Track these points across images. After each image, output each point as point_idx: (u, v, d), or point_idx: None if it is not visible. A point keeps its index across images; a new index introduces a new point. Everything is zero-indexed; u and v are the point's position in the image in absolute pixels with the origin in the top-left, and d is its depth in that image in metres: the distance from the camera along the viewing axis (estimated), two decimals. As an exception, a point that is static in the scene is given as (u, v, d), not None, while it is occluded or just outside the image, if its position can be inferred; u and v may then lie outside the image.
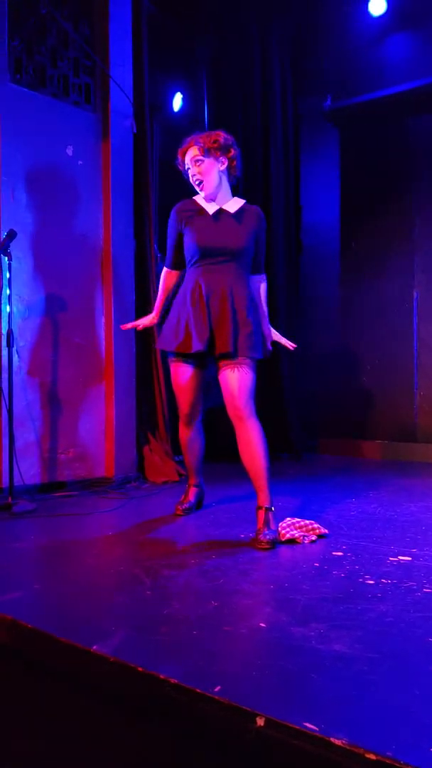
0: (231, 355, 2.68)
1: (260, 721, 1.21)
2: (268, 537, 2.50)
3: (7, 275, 3.28)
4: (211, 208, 2.81)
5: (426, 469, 4.71)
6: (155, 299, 4.28)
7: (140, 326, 3.09)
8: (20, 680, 1.73)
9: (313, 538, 2.61)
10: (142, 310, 4.23)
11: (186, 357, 2.85)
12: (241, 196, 2.91)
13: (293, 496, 3.53)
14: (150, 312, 3.24)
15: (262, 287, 2.95)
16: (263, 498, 2.63)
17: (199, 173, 2.76)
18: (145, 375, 4.28)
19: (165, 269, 3.00)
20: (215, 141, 2.74)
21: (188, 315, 2.76)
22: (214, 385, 2.87)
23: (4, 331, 3.36)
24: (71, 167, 3.87)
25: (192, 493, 3.15)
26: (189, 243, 2.80)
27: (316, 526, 2.67)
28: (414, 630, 1.66)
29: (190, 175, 2.81)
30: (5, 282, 3.31)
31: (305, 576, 2.13)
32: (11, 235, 3.22)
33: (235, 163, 2.80)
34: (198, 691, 1.31)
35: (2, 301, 3.42)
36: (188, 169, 2.80)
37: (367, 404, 5.37)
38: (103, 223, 4.01)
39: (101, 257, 4.00)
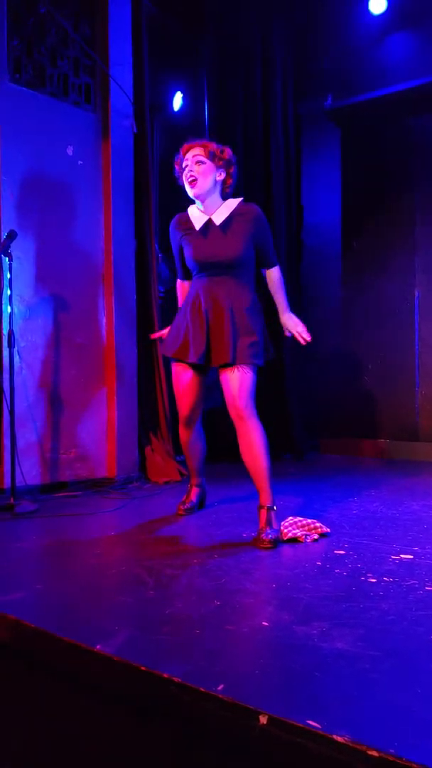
0: (230, 364, 2.69)
1: (263, 719, 1.22)
2: (270, 536, 2.51)
3: (8, 276, 3.28)
4: (198, 222, 2.80)
5: (428, 468, 4.70)
6: (156, 299, 4.33)
7: (165, 335, 3.08)
8: (22, 680, 1.73)
9: (315, 537, 2.61)
10: (143, 310, 4.24)
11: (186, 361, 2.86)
12: (240, 196, 2.90)
13: (295, 495, 3.53)
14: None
15: (276, 278, 2.88)
16: (265, 497, 2.63)
17: (197, 172, 2.74)
18: (146, 375, 4.28)
19: (178, 281, 3.08)
20: (222, 152, 2.76)
21: (188, 326, 2.80)
22: (215, 386, 2.87)
23: (5, 332, 3.36)
24: (71, 167, 3.87)
25: (194, 493, 3.16)
26: (186, 257, 2.85)
27: (318, 525, 2.66)
28: (416, 628, 1.66)
29: (184, 174, 2.78)
30: (6, 282, 3.31)
31: (307, 575, 2.13)
32: (12, 235, 3.23)
33: (230, 181, 2.81)
34: (201, 689, 1.32)
35: (3, 302, 3.42)
36: (185, 167, 2.78)
37: (368, 404, 5.36)
38: (103, 223, 4.01)
39: (102, 257, 4.00)
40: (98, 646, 1.53)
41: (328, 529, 2.69)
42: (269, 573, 2.19)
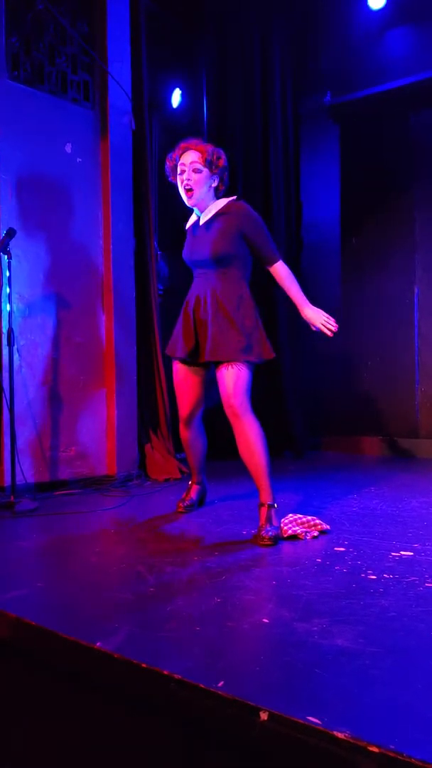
0: (222, 361, 2.69)
1: (264, 716, 1.22)
2: (270, 533, 2.51)
3: (7, 274, 3.28)
4: (190, 223, 2.91)
5: (428, 465, 4.71)
6: (155, 297, 4.32)
7: None
8: (23, 678, 1.74)
9: (315, 534, 2.61)
10: (143, 308, 4.24)
11: (185, 359, 2.87)
12: (240, 195, 2.90)
13: (295, 492, 3.53)
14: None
15: (283, 274, 2.76)
16: (265, 495, 2.64)
17: (194, 182, 2.74)
18: (146, 373, 4.28)
19: None
20: (219, 158, 2.77)
21: (180, 323, 2.89)
22: (215, 384, 2.87)
23: (5, 330, 3.35)
24: (70, 165, 3.86)
25: (194, 491, 3.16)
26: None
27: (318, 522, 2.66)
28: (416, 624, 1.66)
29: (180, 180, 2.77)
30: (5, 280, 3.31)
31: (307, 572, 2.14)
32: (11, 233, 3.22)
33: (222, 187, 2.84)
34: (202, 686, 1.32)
35: (2, 300, 3.42)
36: (181, 172, 2.76)
37: (368, 401, 5.36)
38: (102, 220, 4.00)
39: (101, 255, 4.00)
40: (99, 644, 1.53)
41: (328, 526, 2.69)
42: (269, 570, 2.19)
